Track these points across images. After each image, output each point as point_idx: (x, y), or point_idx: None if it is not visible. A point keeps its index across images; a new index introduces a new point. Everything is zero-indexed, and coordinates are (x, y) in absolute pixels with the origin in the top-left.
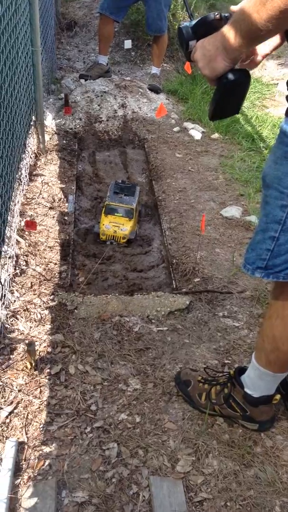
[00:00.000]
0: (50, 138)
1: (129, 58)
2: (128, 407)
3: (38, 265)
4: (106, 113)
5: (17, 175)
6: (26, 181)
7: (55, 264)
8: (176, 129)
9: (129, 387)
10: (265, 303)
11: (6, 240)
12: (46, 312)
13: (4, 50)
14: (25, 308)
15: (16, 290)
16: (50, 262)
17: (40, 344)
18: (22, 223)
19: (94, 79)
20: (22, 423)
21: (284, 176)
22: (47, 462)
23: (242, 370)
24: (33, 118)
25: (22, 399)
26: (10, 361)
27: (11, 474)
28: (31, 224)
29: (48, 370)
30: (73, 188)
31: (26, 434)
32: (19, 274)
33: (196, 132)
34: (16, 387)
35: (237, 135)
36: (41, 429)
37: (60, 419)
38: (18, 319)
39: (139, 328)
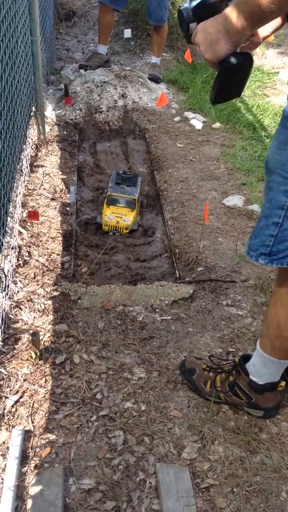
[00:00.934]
0: (51, 129)
1: (129, 47)
2: (133, 396)
3: (41, 256)
4: (106, 103)
5: (18, 166)
6: (27, 172)
7: (58, 254)
8: (177, 118)
9: (134, 376)
10: (268, 291)
11: (9, 231)
12: (50, 302)
13: (4, 39)
14: (28, 298)
15: (19, 281)
16: (53, 253)
17: (44, 334)
18: (24, 214)
19: (93, 69)
20: (28, 412)
21: (287, 161)
22: (53, 450)
23: (247, 358)
24: (33, 108)
25: (27, 388)
26: (15, 351)
27: (18, 462)
28: (33, 214)
29: (53, 360)
30: (74, 179)
31: (32, 422)
32: (22, 264)
33: (197, 121)
34: (21, 377)
35: (238, 124)
36: (47, 417)
37: (65, 408)
38: (22, 310)
39: (143, 318)
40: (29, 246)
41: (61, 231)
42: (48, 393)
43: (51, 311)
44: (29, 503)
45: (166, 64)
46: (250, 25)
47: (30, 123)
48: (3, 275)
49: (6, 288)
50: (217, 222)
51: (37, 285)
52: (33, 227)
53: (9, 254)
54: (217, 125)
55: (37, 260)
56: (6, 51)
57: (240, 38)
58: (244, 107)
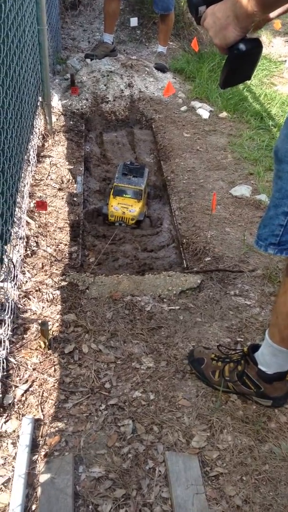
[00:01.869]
0: (57, 119)
1: (135, 36)
2: (142, 385)
3: (48, 246)
4: (113, 93)
5: (25, 156)
6: (34, 162)
7: (66, 245)
8: (183, 108)
9: (142, 365)
10: (276, 281)
11: (17, 221)
12: (58, 292)
13: (11, 28)
14: (37, 288)
15: (28, 271)
16: (61, 243)
17: (53, 324)
18: (32, 204)
19: (100, 59)
20: (38, 401)
21: None
22: (63, 439)
23: (255, 347)
24: (40, 98)
25: (37, 377)
26: (24, 341)
27: (29, 451)
28: (41, 204)
29: (62, 349)
30: (81, 169)
31: (42, 411)
32: (30, 255)
33: (203, 111)
34: (31, 366)
35: (245, 114)
36: (57, 406)
37: (75, 397)
38: (30, 300)
39: (151, 307)
40: (37, 236)
41: (68, 222)
42: (57, 382)
43: (59, 301)
44: (40, 490)
45: (173, 53)
46: (261, 10)
47: (37, 113)
48: (12, 265)
49: (15, 278)
50: (225, 212)
51: (45, 275)
52: (40, 217)
53: (17, 244)
54: (224, 114)
55: (45, 250)
56: (14, 40)
57: (249, 24)
58: (251, 96)
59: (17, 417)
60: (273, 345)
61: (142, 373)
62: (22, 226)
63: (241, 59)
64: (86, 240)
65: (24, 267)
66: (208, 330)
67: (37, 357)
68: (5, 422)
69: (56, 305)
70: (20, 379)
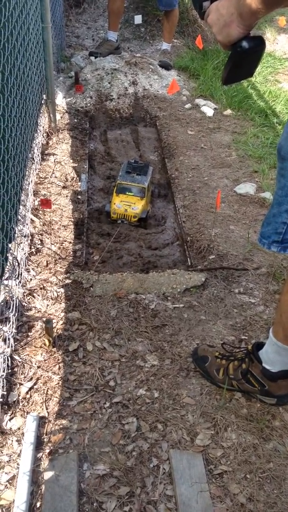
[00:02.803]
0: (61, 117)
1: (139, 34)
2: (146, 383)
3: (53, 244)
4: (117, 90)
5: (30, 154)
6: (39, 160)
7: (70, 243)
8: (187, 106)
9: (147, 363)
10: (281, 279)
11: (21, 219)
12: (62, 290)
13: (16, 25)
14: (41, 286)
15: (32, 269)
16: (65, 241)
17: (57, 322)
18: (36, 202)
19: (104, 56)
20: (42, 399)
21: None
22: (68, 436)
23: (259, 345)
24: (44, 96)
25: (41, 375)
26: (29, 339)
27: (33, 448)
28: (46, 202)
29: (66, 347)
30: (85, 167)
31: (47, 409)
32: (34, 253)
33: (208, 108)
34: (35, 364)
35: (249, 111)
36: (61, 404)
37: (79, 395)
38: (34, 297)
39: (155, 305)
40: (41, 234)
41: (72, 219)
42: (62, 380)
43: (63, 299)
44: (44, 488)
45: (177, 51)
46: (265, 7)
47: (41, 111)
48: (16, 263)
49: (19, 276)
50: (229, 210)
51: (50, 273)
52: (45, 215)
53: (21, 242)
54: (228, 112)
55: (49, 248)
56: (18, 38)
57: (253, 21)
58: (256, 93)
59: (21, 415)
60: (277, 343)
61: (146, 371)
62: (27, 224)
63: (244, 57)
64: (90, 238)
65: (29, 265)
66: (213, 328)
67: (41, 355)
68: (10, 419)
69: (61, 303)
70: (24, 377)
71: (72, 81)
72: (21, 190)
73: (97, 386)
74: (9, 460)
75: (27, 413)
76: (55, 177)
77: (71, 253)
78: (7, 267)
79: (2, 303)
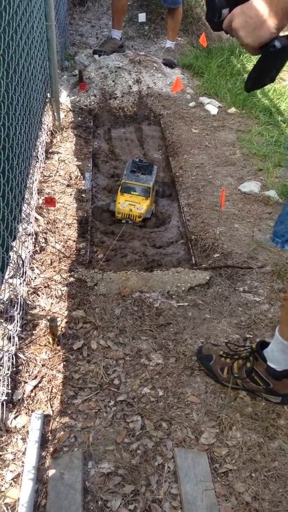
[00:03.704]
0: (65, 115)
1: (143, 32)
2: (150, 381)
3: (57, 242)
4: (121, 89)
5: (34, 153)
6: (43, 158)
7: (74, 241)
8: (192, 104)
9: (151, 362)
10: (285, 277)
11: (25, 217)
12: (67, 288)
13: (20, 24)
14: (45, 284)
15: (36, 267)
16: (69, 239)
17: (62, 320)
18: (40, 201)
19: (108, 55)
20: (47, 397)
21: None
22: (72, 434)
23: (264, 344)
24: (48, 95)
25: (46, 373)
26: (33, 337)
27: (38, 446)
28: (50, 201)
29: (70, 346)
30: (89, 165)
31: (51, 407)
32: (38, 251)
33: (212, 106)
34: (40, 362)
35: (254, 109)
36: (66, 402)
37: (83, 393)
38: (39, 296)
39: (159, 304)
40: (46, 233)
41: (76, 218)
42: (66, 378)
43: (68, 297)
44: (49, 486)
45: (181, 49)
46: None
47: (45, 109)
48: (21, 262)
49: (24, 274)
50: (233, 208)
51: (54, 271)
52: (49, 213)
53: (26, 241)
54: (232, 110)
55: (53, 247)
56: (22, 36)
57: (286, 23)
58: (260, 91)
59: (26, 413)
60: (283, 342)
61: (151, 370)
62: (31, 223)
63: (276, 58)
64: (95, 237)
65: (33, 264)
66: (217, 327)
67: (46, 353)
68: (15, 417)
69: (65, 302)
70: (29, 375)
71: (76, 80)
72: (25, 188)
73: (102, 384)
74: (14, 458)
75: (32, 411)
76: (59, 175)
77: (75, 251)
78: (12, 265)
79: (6, 302)
